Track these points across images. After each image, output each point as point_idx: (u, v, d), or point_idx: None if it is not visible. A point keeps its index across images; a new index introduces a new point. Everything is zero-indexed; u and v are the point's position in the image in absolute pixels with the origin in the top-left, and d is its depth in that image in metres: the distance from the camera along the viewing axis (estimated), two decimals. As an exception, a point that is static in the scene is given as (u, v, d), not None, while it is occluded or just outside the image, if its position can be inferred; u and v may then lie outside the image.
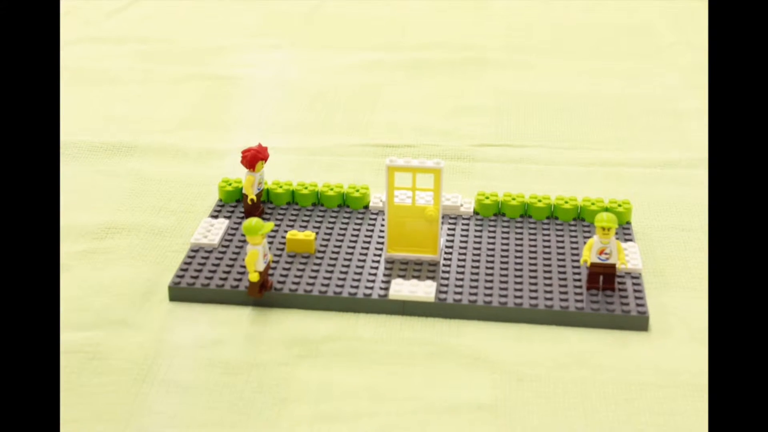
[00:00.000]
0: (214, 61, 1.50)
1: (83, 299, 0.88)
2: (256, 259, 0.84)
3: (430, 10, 1.77)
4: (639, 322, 0.84)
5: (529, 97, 1.36)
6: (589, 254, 0.87)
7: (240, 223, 0.97)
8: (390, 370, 0.79)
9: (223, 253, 0.93)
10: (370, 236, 0.96)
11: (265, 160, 0.99)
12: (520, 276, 0.89)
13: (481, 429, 0.73)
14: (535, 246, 0.94)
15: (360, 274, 0.89)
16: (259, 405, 0.75)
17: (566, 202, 0.99)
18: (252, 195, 0.98)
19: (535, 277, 0.89)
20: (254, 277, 0.85)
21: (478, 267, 0.91)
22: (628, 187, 1.10)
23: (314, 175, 1.11)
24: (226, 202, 1.02)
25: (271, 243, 0.94)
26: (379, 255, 0.93)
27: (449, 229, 0.97)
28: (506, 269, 0.90)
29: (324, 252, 0.93)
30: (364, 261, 0.92)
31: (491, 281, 0.88)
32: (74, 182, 1.10)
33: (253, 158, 0.98)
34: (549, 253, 0.93)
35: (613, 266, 0.87)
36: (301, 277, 0.89)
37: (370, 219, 0.99)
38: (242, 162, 0.98)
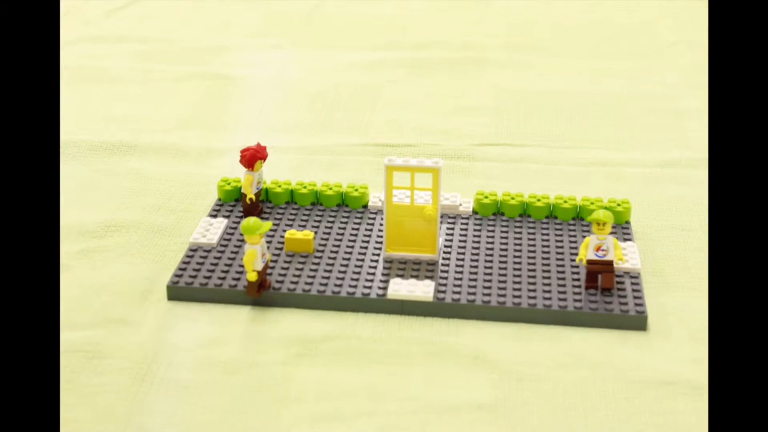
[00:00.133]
0: (214, 61, 1.50)
1: (83, 298, 0.88)
2: (254, 258, 0.85)
3: (430, 10, 1.77)
4: (638, 322, 0.84)
5: (529, 97, 1.36)
6: (585, 252, 0.87)
7: (239, 223, 0.97)
8: (389, 369, 0.79)
9: (222, 252, 0.93)
10: (369, 236, 0.96)
11: (264, 160, 0.99)
12: (519, 275, 0.89)
13: (480, 429, 0.73)
14: (534, 245, 0.94)
15: (358, 273, 0.89)
16: (259, 404, 0.75)
17: (565, 202, 0.99)
18: (251, 194, 0.98)
19: (534, 277, 0.89)
20: (252, 276, 0.85)
21: (476, 266, 0.91)
22: (627, 186, 1.10)
23: (314, 174, 1.11)
24: (225, 201, 1.02)
25: (269, 242, 0.94)
26: (378, 254, 0.93)
27: (448, 228, 0.97)
28: (505, 269, 0.90)
29: (322, 251, 0.93)
30: (362, 260, 0.91)
31: (490, 281, 0.88)
32: (74, 181, 1.10)
33: (252, 157, 0.98)
34: (548, 252, 0.93)
35: (610, 263, 0.87)
36: (299, 276, 0.89)
37: (369, 218, 0.99)
38: (241, 161, 0.98)
